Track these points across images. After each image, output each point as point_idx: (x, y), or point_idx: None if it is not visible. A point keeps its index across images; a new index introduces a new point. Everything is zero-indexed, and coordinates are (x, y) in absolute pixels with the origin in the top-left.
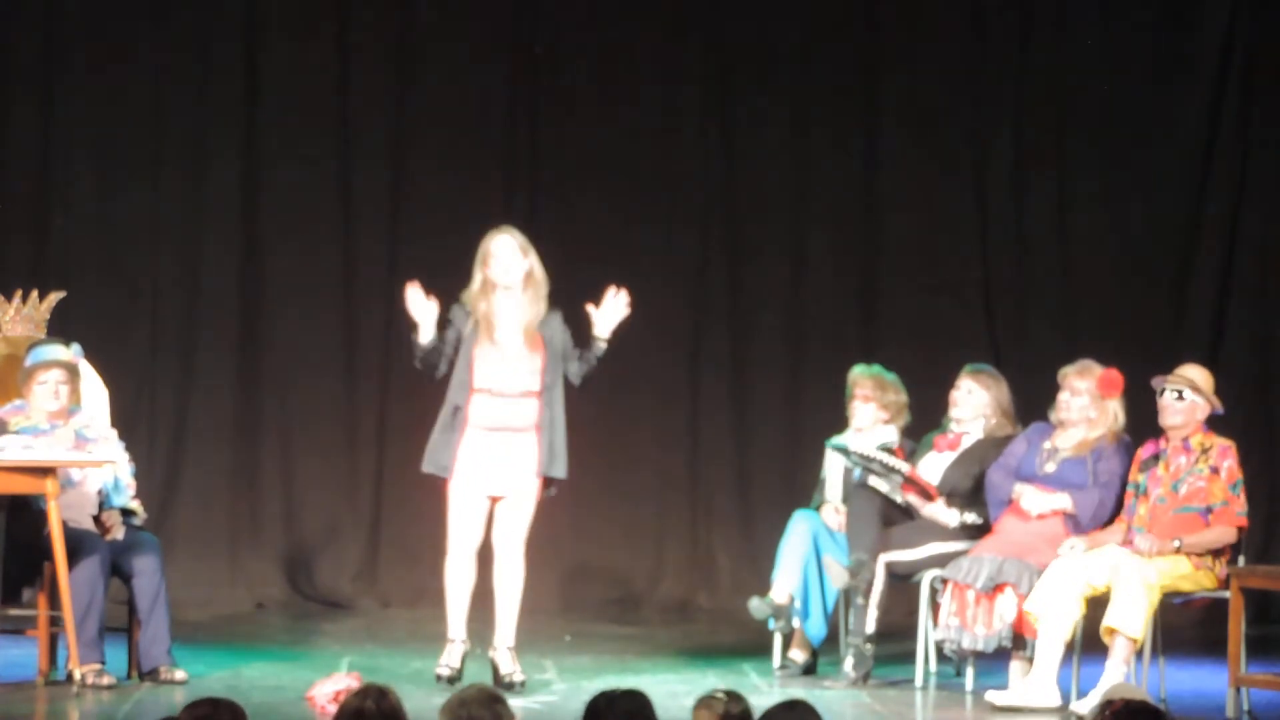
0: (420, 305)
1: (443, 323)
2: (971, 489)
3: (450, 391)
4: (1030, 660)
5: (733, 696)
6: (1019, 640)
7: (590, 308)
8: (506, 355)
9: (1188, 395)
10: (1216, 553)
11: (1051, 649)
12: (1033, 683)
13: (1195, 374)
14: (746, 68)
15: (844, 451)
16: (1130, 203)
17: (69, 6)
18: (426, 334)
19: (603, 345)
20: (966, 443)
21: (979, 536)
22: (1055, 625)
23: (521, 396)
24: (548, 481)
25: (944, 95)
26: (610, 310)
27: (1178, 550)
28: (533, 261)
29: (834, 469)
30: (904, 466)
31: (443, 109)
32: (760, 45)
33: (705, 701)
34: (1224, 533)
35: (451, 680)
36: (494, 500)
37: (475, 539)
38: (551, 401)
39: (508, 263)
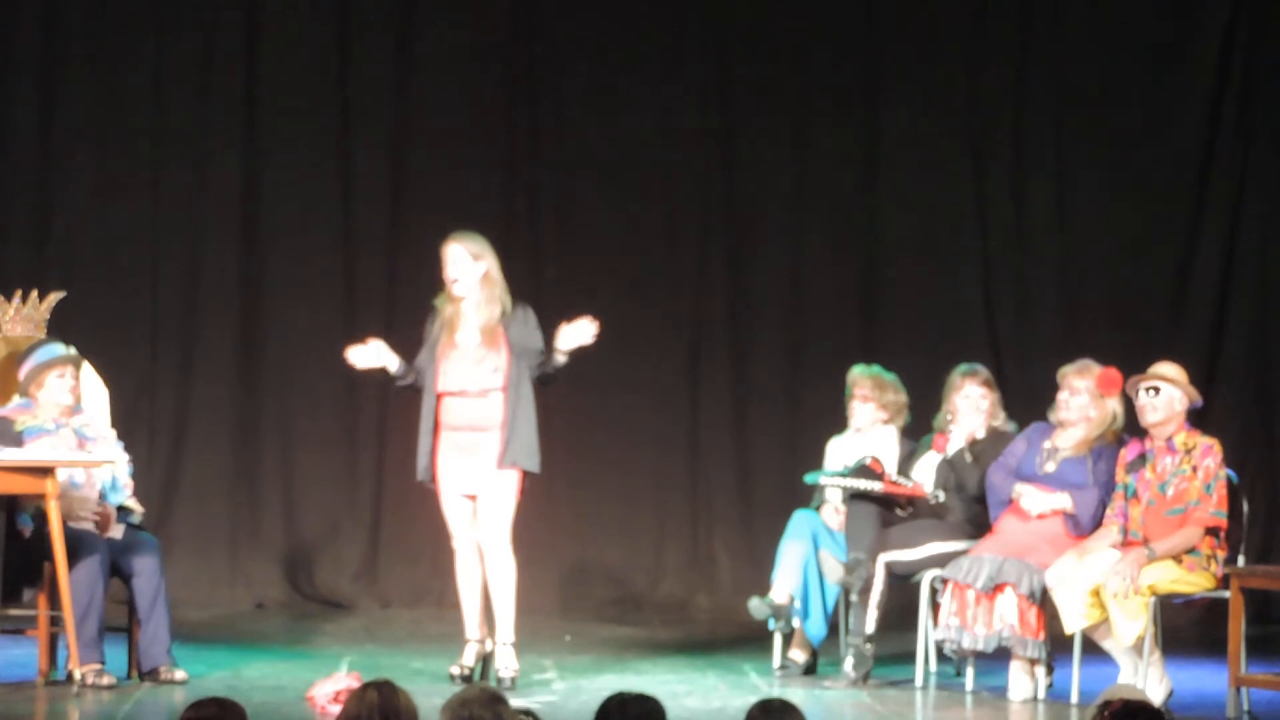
0: (367, 355)
1: (404, 350)
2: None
3: (422, 398)
4: (1031, 661)
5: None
6: (1020, 641)
7: (563, 326)
8: (465, 356)
9: (1164, 389)
10: (1211, 553)
11: (1118, 647)
12: (1140, 680)
13: (1167, 369)
14: (746, 67)
15: (819, 489)
16: (1130, 202)
17: (69, 6)
18: (392, 364)
19: (561, 359)
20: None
21: (978, 536)
22: (1102, 629)
23: (482, 395)
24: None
25: (944, 95)
26: (577, 332)
27: (1151, 559)
28: (487, 264)
29: (835, 468)
30: (875, 487)
31: (443, 108)
32: (760, 45)
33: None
34: (1191, 534)
35: (464, 679)
36: (471, 498)
37: (470, 538)
38: (516, 398)
39: (457, 271)
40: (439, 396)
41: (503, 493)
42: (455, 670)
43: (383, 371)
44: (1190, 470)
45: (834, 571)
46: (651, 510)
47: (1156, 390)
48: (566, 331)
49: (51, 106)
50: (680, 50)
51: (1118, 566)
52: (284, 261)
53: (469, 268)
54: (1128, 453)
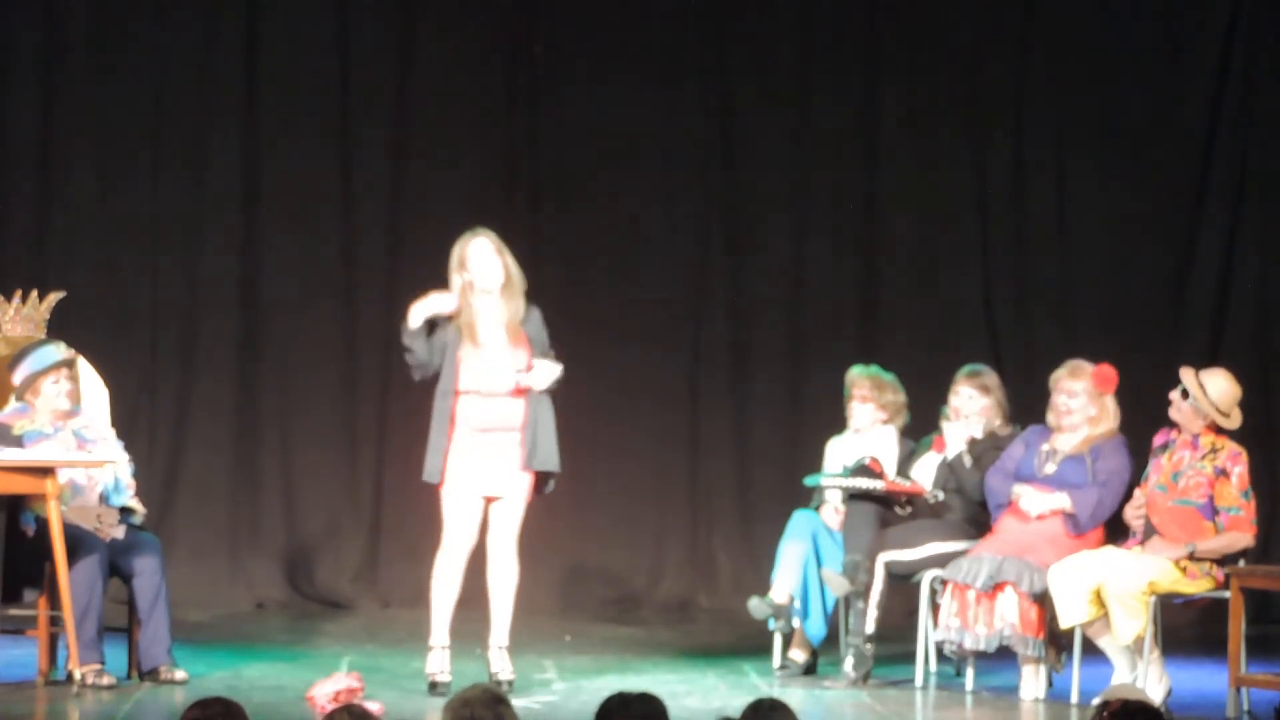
0: (436, 302)
1: (430, 326)
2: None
3: (436, 398)
4: (1037, 660)
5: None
6: (1021, 640)
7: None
8: (490, 355)
9: (1191, 400)
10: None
11: (1114, 646)
12: (1139, 680)
13: (1216, 383)
14: (746, 67)
15: (819, 489)
16: (1130, 203)
17: (69, 5)
18: (416, 320)
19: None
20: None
21: (978, 536)
22: (1098, 626)
23: (508, 396)
24: (542, 478)
25: (944, 95)
26: (542, 373)
27: (1191, 556)
28: (508, 260)
29: (834, 468)
30: (878, 485)
31: (443, 109)
32: (760, 45)
33: None
34: (1238, 538)
35: (446, 687)
36: (488, 501)
37: (471, 542)
38: (537, 398)
39: (487, 266)
40: (458, 395)
41: (522, 496)
42: (442, 678)
43: (406, 318)
44: (1213, 471)
45: (839, 585)
46: (651, 510)
47: (1186, 395)
48: (539, 368)
49: (51, 106)
50: (680, 48)
51: (1159, 550)
52: (284, 261)
53: (496, 264)
54: (1156, 439)
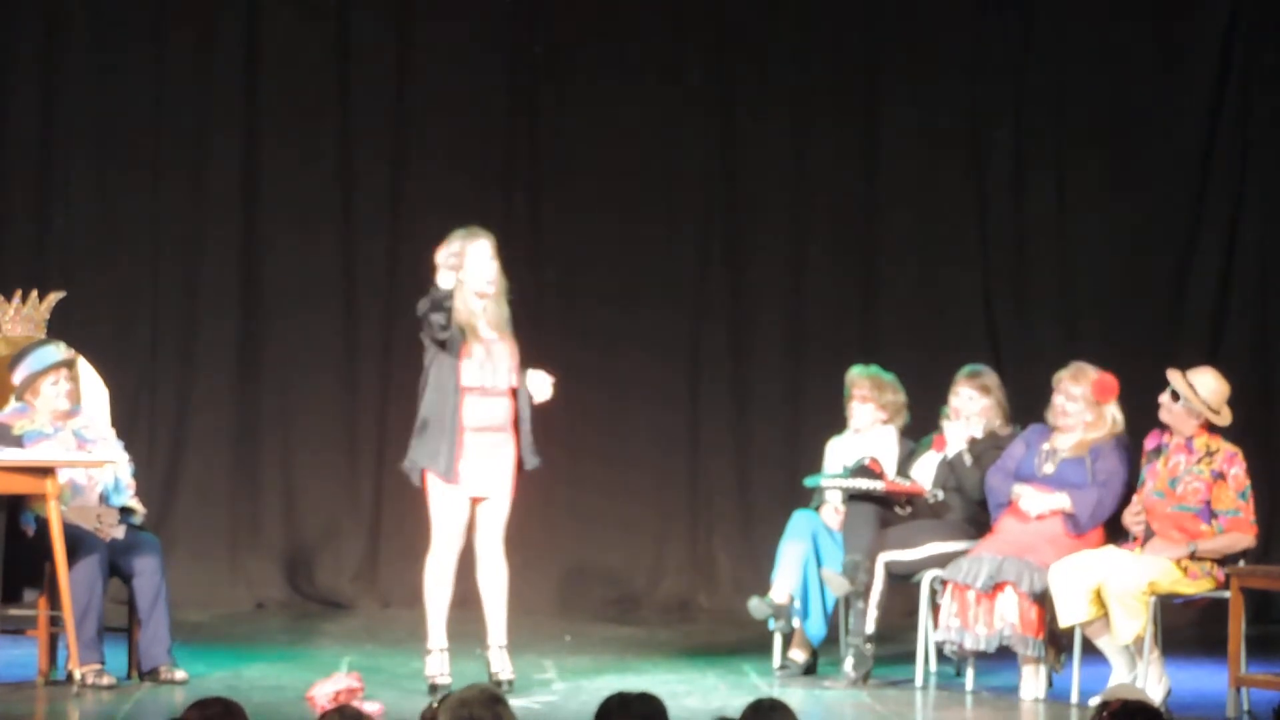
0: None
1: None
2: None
3: (434, 393)
4: (1037, 660)
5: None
6: (1021, 640)
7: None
8: (492, 353)
9: (1182, 401)
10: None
11: (1113, 646)
12: (1139, 680)
13: (1205, 382)
14: (747, 67)
15: (819, 489)
16: (1130, 203)
17: (69, 6)
18: (448, 280)
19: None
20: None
21: (978, 536)
22: (1097, 626)
23: (504, 395)
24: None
25: (944, 95)
26: (539, 383)
27: (1192, 556)
28: (497, 263)
29: (834, 469)
30: (878, 486)
31: (443, 108)
32: (760, 44)
33: None
34: (1238, 539)
35: (446, 689)
36: (475, 501)
37: (460, 543)
38: (521, 398)
39: (486, 270)
40: (463, 392)
41: (509, 496)
42: (442, 680)
43: (436, 272)
44: (1210, 475)
45: (840, 585)
46: (651, 510)
47: (1176, 397)
48: (533, 379)
49: (51, 106)
50: (680, 51)
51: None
52: (284, 261)
53: (494, 267)
54: (1147, 442)
